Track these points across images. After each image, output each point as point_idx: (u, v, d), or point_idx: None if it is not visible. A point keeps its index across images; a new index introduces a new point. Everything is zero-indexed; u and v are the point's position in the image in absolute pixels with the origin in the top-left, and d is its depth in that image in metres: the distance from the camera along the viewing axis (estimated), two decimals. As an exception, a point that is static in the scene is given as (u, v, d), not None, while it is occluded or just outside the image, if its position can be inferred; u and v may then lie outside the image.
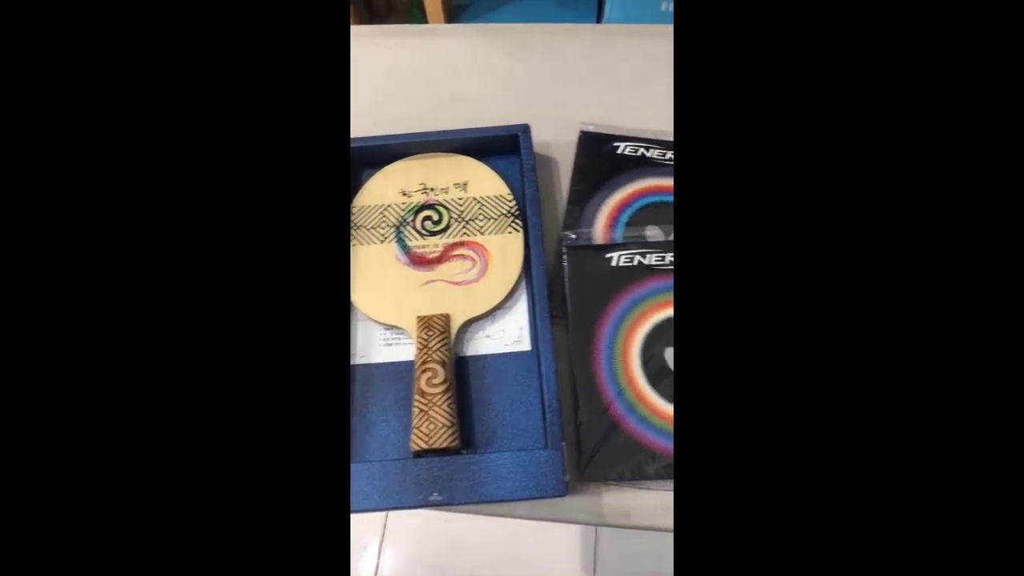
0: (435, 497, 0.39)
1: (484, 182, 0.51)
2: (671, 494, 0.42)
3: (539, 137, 0.54)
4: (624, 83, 0.58)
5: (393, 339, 0.46)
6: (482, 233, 0.49)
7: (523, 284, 0.48)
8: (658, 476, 0.41)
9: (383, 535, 1.05)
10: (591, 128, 0.55)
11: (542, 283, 0.45)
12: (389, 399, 0.45)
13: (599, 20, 1.04)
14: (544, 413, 0.43)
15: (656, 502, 0.42)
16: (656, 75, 0.58)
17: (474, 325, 0.47)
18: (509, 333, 0.46)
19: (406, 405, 0.44)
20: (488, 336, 0.46)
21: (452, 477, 0.40)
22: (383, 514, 1.07)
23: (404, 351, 0.46)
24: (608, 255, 0.48)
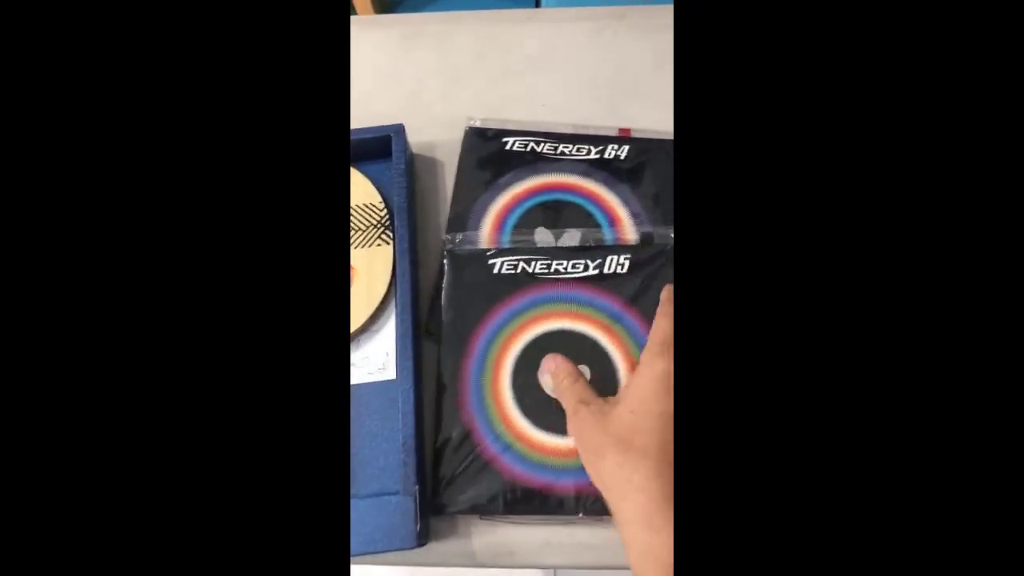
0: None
1: (354, 189, 0.46)
2: (551, 528, 0.37)
3: (425, 137, 0.49)
4: (522, 73, 0.53)
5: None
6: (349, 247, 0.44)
7: (392, 303, 0.43)
8: (519, 510, 0.36)
9: None
10: (477, 123, 0.50)
11: (406, 300, 0.40)
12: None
13: (537, 5, 0.98)
14: (404, 449, 0.38)
15: (539, 537, 0.37)
16: (565, 63, 0.52)
17: (335, 352, 0.42)
18: (374, 360, 0.41)
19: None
20: (351, 365, 0.41)
21: (292, 530, 0.35)
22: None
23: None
24: (491, 261, 0.43)
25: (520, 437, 0.38)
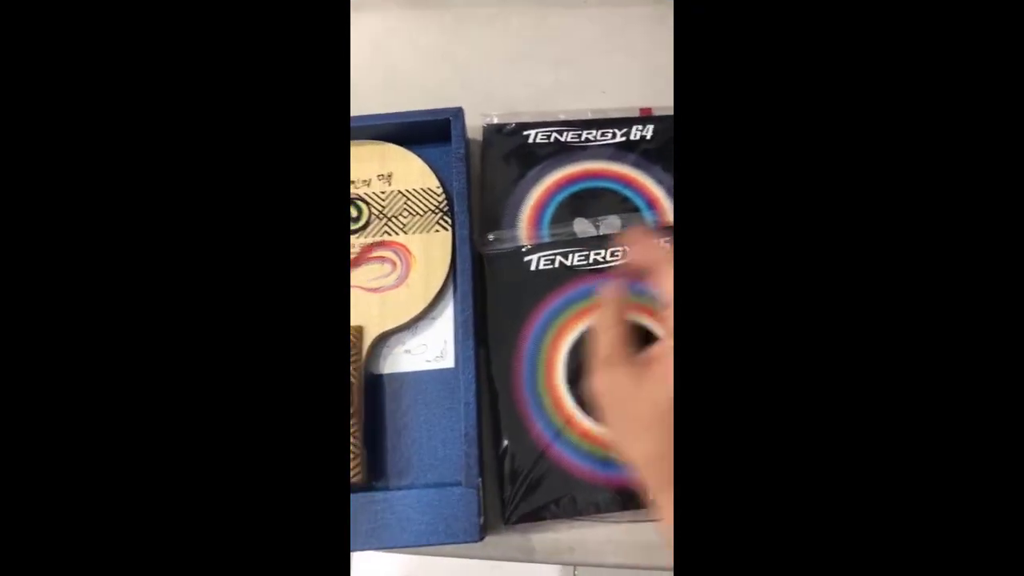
0: (330, 543, 0.34)
1: (411, 173, 0.45)
2: (616, 527, 0.37)
3: (476, 123, 0.48)
4: (547, 63, 0.52)
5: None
6: (405, 232, 0.43)
7: (450, 291, 0.42)
8: (593, 510, 0.36)
9: None
10: (495, 120, 0.48)
11: (467, 288, 0.39)
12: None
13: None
14: (467, 442, 0.37)
15: (601, 536, 0.37)
16: (590, 51, 0.51)
17: (392, 338, 0.41)
18: (432, 348, 0.41)
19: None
20: (408, 351, 0.41)
21: (352, 519, 0.35)
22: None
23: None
24: (527, 258, 0.42)
25: (585, 435, 0.37)
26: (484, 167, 0.47)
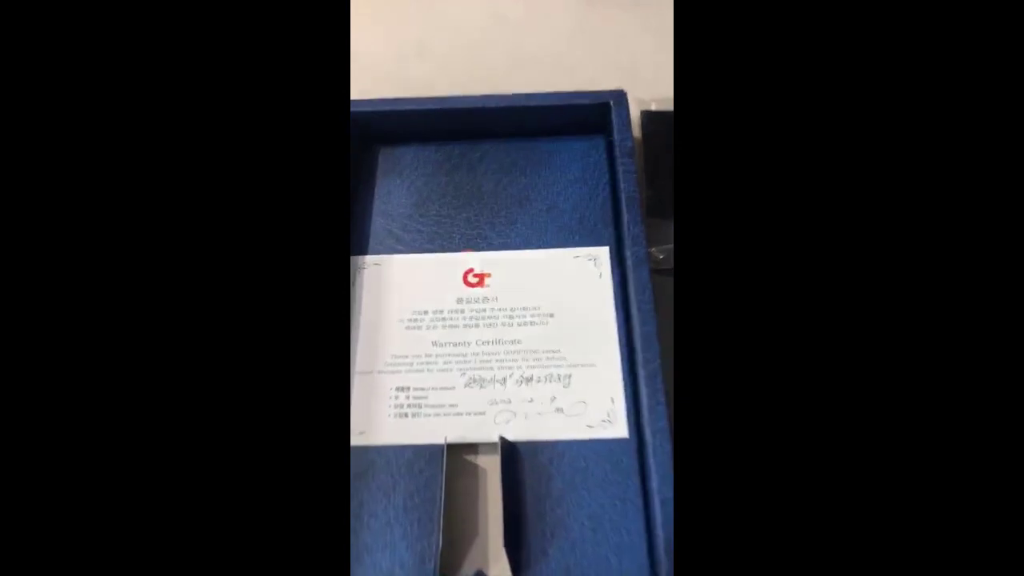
0: None
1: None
2: None
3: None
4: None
5: (411, 407, 0.30)
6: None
7: (613, 326, 0.31)
8: None
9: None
10: (654, 107, 0.38)
11: (651, 328, 0.28)
12: (396, 504, 0.28)
13: None
14: (652, 555, 0.25)
15: None
16: None
17: (536, 388, 0.30)
18: (593, 408, 0.29)
19: (423, 519, 0.27)
20: (559, 409, 0.29)
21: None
22: None
23: (426, 428, 0.29)
24: None
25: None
26: (646, 161, 0.36)
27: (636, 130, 0.38)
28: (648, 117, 0.38)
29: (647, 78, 0.40)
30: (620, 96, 0.35)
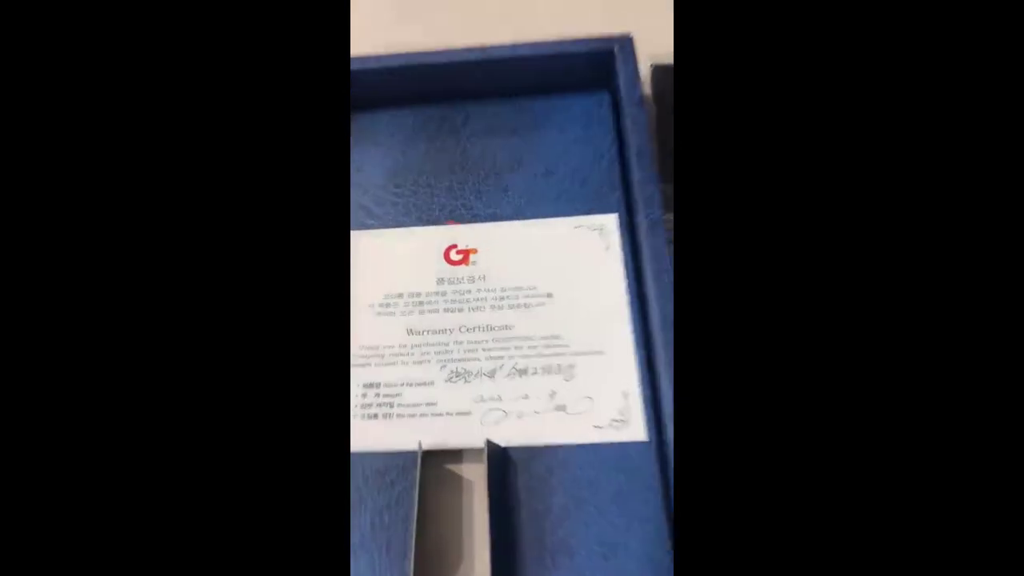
0: None
1: (551, 130, 0.30)
2: None
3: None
4: None
5: (381, 407, 0.25)
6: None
7: (626, 309, 0.26)
8: None
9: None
10: (663, 61, 0.33)
11: (666, 308, 0.23)
12: (362, 526, 0.23)
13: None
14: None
15: None
16: None
17: (531, 382, 0.25)
18: (603, 405, 0.24)
19: (394, 542, 0.22)
20: (561, 407, 0.24)
21: None
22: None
23: (398, 432, 0.24)
24: None
25: None
26: (659, 122, 0.31)
27: (645, 88, 0.33)
28: (659, 72, 0.33)
29: (657, 26, 0.35)
30: (626, 42, 0.30)
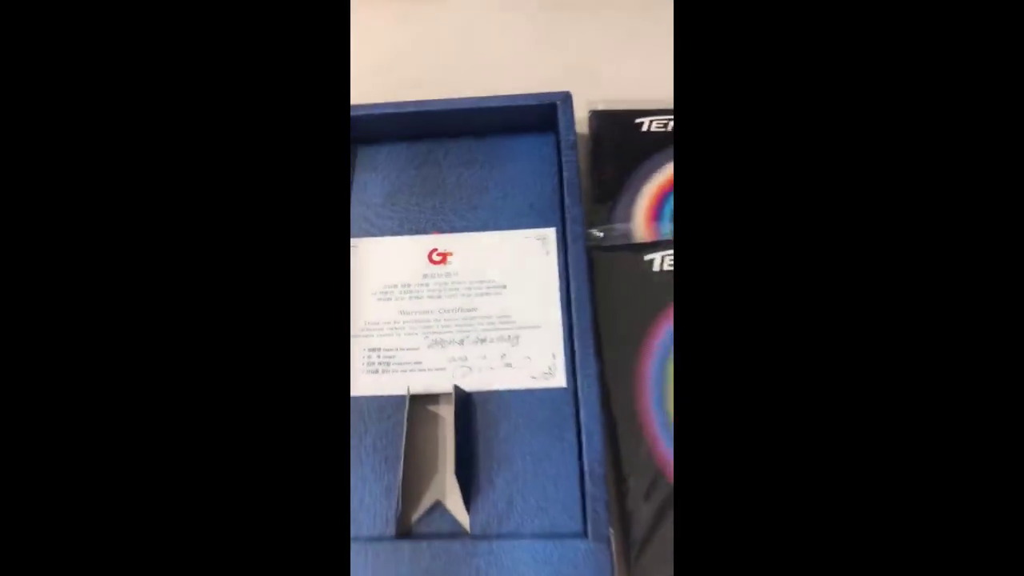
0: (419, 605, 0.27)
1: (509, 164, 0.39)
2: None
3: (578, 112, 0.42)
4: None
5: (381, 364, 0.34)
6: (504, 228, 0.37)
7: (557, 294, 0.35)
8: None
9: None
10: (601, 107, 0.43)
11: (584, 293, 0.33)
12: (367, 445, 0.32)
13: None
14: (583, 482, 0.30)
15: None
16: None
17: (488, 347, 0.34)
18: (537, 361, 0.34)
19: (391, 457, 0.32)
20: (508, 364, 0.34)
21: (446, 572, 0.27)
22: None
23: (393, 382, 0.34)
24: (648, 257, 0.36)
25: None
26: (593, 157, 0.41)
27: (586, 127, 0.43)
28: (595, 115, 0.43)
29: (596, 81, 0.45)
30: (566, 97, 0.39)
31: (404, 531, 0.30)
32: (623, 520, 0.30)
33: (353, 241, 0.38)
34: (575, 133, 0.38)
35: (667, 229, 0.38)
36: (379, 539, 0.29)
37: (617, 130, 0.42)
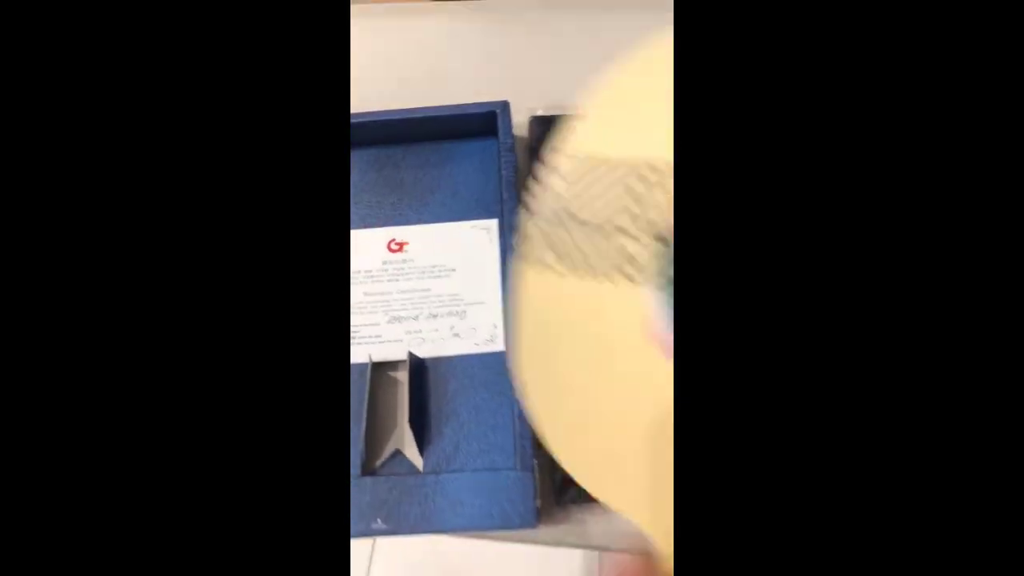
0: (378, 526, 0.33)
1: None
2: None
3: (520, 119, 0.48)
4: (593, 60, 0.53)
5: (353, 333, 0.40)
6: (453, 220, 0.43)
7: (498, 276, 0.42)
8: None
9: (370, 564, 0.97)
10: (541, 112, 0.49)
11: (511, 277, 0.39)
12: (338, 408, 0.38)
13: None
14: (513, 429, 0.36)
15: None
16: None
17: (439, 321, 0.40)
18: (481, 332, 0.40)
19: (356, 416, 0.38)
20: (456, 335, 0.40)
21: (400, 501, 0.33)
22: (370, 541, 1.00)
23: (358, 352, 0.40)
24: None
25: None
26: (531, 156, 0.47)
27: (526, 131, 0.49)
28: (535, 120, 0.49)
29: (537, 89, 0.51)
30: (504, 106, 0.46)
31: (368, 473, 0.36)
32: (551, 459, 0.36)
33: (323, 235, 0.44)
34: (513, 137, 0.44)
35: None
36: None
37: (554, 133, 0.48)
